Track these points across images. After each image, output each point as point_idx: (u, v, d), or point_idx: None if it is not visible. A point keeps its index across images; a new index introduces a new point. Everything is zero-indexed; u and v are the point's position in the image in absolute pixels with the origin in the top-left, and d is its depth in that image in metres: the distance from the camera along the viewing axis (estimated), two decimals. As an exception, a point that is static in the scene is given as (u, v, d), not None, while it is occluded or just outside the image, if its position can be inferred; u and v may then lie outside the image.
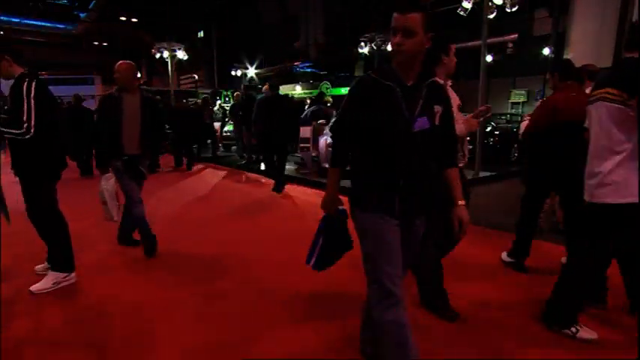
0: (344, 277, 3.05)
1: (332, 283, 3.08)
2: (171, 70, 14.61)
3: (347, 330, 2.44)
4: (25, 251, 3.70)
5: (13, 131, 2.71)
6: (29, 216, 2.99)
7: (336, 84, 18.64)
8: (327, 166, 7.44)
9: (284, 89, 21.08)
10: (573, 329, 2.42)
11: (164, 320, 2.67)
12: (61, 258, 3.10)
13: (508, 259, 3.54)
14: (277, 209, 5.77)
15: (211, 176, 8.69)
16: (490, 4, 7.17)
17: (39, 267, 3.32)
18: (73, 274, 3.15)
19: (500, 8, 7.45)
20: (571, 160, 2.90)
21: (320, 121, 8.94)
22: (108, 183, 3.52)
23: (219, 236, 4.49)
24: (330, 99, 10.25)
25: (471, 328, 2.57)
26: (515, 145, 9.68)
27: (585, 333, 2.41)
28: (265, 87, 10.40)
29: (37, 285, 3.00)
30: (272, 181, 6.69)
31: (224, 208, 5.72)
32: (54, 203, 3.06)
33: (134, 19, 26.28)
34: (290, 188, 6.93)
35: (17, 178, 2.92)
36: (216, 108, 14.42)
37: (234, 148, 11.02)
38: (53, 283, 3.03)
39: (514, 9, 7.49)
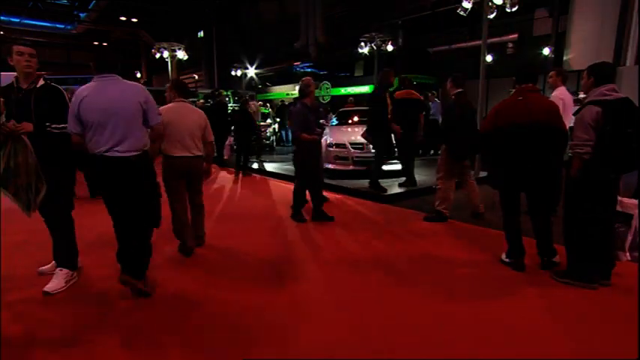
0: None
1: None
2: (171, 70, 14.61)
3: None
4: (24, 250, 3.70)
5: (61, 125, 2.85)
6: (43, 213, 3.01)
7: (336, 84, 18.61)
8: (329, 166, 7.44)
9: (284, 89, 21.07)
10: None
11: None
12: (70, 255, 3.12)
13: (507, 260, 3.55)
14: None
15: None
16: (490, 4, 7.17)
17: (44, 268, 3.30)
18: (75, 273, 3.16)
19: (500, 8, 7.44)
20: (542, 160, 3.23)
21: (320, 121, 8.94)
22: None
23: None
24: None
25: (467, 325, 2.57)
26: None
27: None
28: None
29: (50, 285, 2.98)
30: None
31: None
32: (72, 198, 3.16)
33: (134, 19, 26.24)
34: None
35: None
36: None
37: None
38: (66, 282, 3.04)
39: (514, 9, 7.48)
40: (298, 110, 4.83)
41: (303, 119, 4.79)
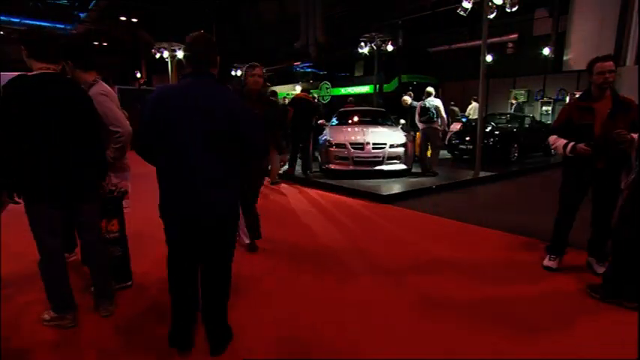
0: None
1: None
2: (172, 71, 14.61)
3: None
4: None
5: None
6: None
7: (336, 84, 18.60)
8: (330, 166, 7.43)
9: (284, 89, 21.09)
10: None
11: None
12: None
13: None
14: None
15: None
16: (490, 4, 7.17)
17: None
18: None
19: (500, 8, 7.44)
20: None
21: (320, 121, 8.95)
22: None
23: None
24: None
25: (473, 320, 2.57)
26: (515, 145, 9.67)
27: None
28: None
29: None
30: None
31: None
32: None
33: (134, 19, 26.23)
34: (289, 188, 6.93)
35: None
36: None
37: None
38: None
39: (514, 9, 7.47)
40: None
41: None
